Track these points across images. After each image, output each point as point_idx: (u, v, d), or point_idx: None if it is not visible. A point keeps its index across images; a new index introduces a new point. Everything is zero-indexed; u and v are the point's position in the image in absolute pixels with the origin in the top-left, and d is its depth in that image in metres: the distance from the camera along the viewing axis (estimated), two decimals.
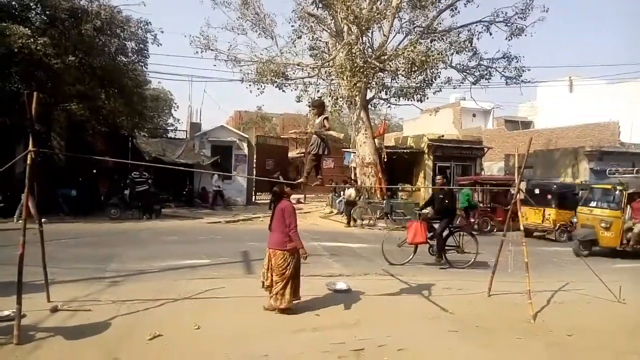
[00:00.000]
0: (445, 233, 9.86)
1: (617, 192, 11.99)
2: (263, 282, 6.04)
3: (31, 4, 16.11)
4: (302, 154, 33.69)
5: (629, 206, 11.81)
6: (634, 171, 16.96)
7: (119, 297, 6.24)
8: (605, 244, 11.74)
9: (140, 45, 18.97)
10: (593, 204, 12.56)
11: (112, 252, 9.63)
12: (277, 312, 5.89)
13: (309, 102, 19.64)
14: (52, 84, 14.90)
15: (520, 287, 6.71)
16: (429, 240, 9.84)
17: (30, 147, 5.16)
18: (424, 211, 10.59)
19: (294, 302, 6.02)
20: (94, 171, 18.44)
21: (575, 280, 8.25)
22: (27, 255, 4.94)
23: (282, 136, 40.62)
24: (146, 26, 18.62)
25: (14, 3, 15.84)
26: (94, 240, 11.58)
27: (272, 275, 5.93)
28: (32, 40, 13.90)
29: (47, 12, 15.99)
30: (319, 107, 6.83)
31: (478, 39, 19.56)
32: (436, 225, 10.04)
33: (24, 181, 5.20)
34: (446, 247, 9.90)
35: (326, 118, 6.63)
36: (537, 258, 10.19)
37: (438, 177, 11.35)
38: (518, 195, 7.02)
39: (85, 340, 4.79)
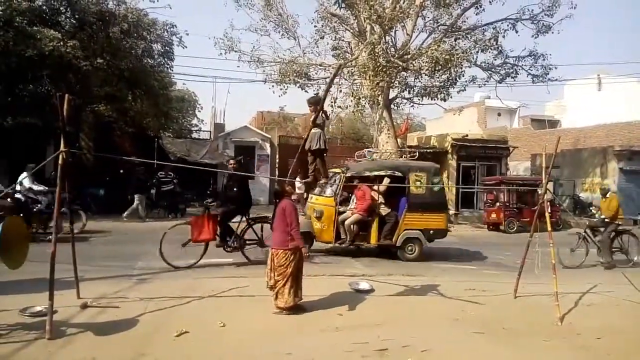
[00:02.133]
0: (243, 225, 8.98)
1: (337, 176, 10.52)
2: (267, 283, 6.02)
3: (61, 8, 16.57)
4: (325, 154, 33.65)
5: (353, 195, 10.39)
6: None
7: (146, 295, 6.37)
8: (321, 238, 10.19)
9: (166, 47, 19.30)
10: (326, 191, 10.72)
11: (139, 250, 9.81)
12: (279, 312, 5.85)
13: (331, 102, 19.65)
14: (81, 85, 15.29)
15: (547, 288, 6.59)
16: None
17: (62, 148, 5.31)
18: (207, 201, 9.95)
19: (296, 302, 5.93)
20: (121, 171, 18.81)
21: (603, 282, 8.06)
22: (58, 253, 5.09)
23: (304, 136, 40.74)
24: (172, 29, 18.94)
25: (44, 7, 16.32)
26: (122, 238, 11.82)
27: (274, 275, 5.90)
28: (62, 43, 14.30)
29: (77, 16, 16.42)
30: (315, 104, 6.72)
31: (504, 36, 19.20)
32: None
33: (56, 180, 5.36)
34: (248, 241, 8.99)
35: (324, 112, 6.62)
36: (565, 259, 10.00)
37: (231, 162, 10.21)
38: (545, 195, 6.90)
39: (114, 336, 4.91)
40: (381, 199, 10.41)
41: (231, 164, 9.93)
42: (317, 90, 20.51)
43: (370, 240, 10.22)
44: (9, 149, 14.55)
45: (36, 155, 13.86)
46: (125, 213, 14.96)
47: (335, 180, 10.50)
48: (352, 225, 9.98)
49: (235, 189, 9.04)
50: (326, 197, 10.40)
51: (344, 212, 10.21)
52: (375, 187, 10.37)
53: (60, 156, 5.31)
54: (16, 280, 6.37)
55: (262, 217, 9.47)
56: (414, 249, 10.33)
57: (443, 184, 10.96)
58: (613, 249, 10.56)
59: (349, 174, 10.41)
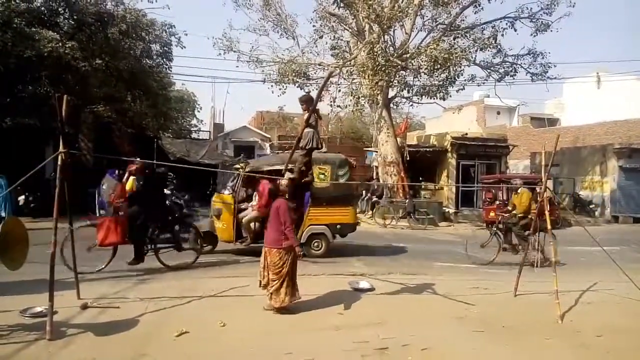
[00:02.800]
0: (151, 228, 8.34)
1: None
2: (260, 282, 6.03)
3: (60, 9, 16.56)
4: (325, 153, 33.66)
5: (256, 192, 9.81)
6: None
7: (146, 295, 6.37)
8: (222, 237, 9.72)
9: (165, 47, 19.32)
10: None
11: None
12: (274, 311, 5.85)
13: (330, 102, 19.66)
14: (80, 86, 15.29)
15: (548, 287, 6.59)
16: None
17: (61, 149, 5.30)
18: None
19: (292, 301, 5.92)
20: (120, 172, 18.81)
21: (604, 280, 8.06)
22: (58, 254, 5.08)
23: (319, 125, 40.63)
24: (170, 29, 18.97)
25: (43, 9, 16.31)
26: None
27: (268, 274, 5.90)
28: (60, 44, 14.29)
29: (75, 17, 16.41)
30: (307, 102, 6.69)
31: (502, 35, 19.23)
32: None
33: (54, 181, 5.36)
34: (163, 245, 8.48)
35: (317, 112, 6.60)
36: (565, 257, 9.98)
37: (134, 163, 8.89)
38: (545, 194, 6.90)
39: (114, 336, 4.91)
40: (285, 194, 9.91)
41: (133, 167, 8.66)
42: (316, 89, 20.54)
43: None
44: (8, 150, 14.54)
45: (35, 156, 13.86)
46: None
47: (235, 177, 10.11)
48: (250, 223, 9.39)
49: (147, 195, 8.25)
50: (225, 194, 9.91)
51: (246, 209, 9.70)
52: (282, 182, 9.87)
53: (60, 157, 5.31)
54: (16, 281, 6.37)
55: (178, 220, 9.06)
56: (320, 244, 9.98)
57: (349, 176, 10.32)
58: (520, 248, 10.21)
59: (248, 170, 9.87)
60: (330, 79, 20.05)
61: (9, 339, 4.69)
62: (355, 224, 10.63)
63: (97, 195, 10.71)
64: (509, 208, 10.94)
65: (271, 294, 5.84)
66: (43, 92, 14.21)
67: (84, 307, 5.75)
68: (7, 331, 4.86)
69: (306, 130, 6.51)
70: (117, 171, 8.94)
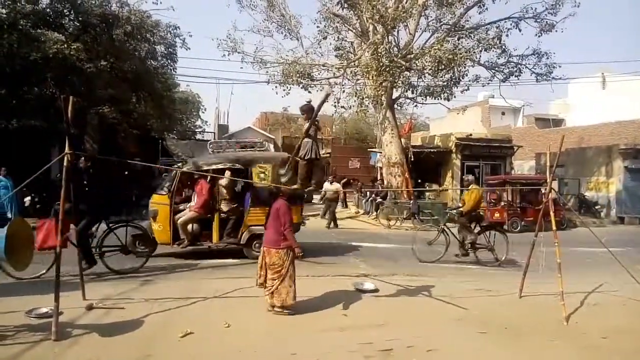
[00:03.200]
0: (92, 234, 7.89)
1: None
2: (257, 280, 6.05)
3: (65, 11, 16.66)
4: (329, 154, 33.73)
5: (194, 191, 9.53)
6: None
7: (151, 296, 6.39)
8: (159, 239, 9.16)
9: (170, 49, 19.40)
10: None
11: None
12: (273, 312, 5.85)
13: (334, 103, 19.66)
14: (85, 88, 15.38)
15: (552, 288, 6.56)
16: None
17: (67, 150, 5.33)
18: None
19: (295, 300, 5.93)
20: (126, 172, 18.89)
21: (610, 281, 8.02)
22: (64, 255, 5.11)
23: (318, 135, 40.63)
24: (175, 30, 19.04)
25: (48, 10, 16.41)
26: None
27: (265, 274, 5.91)
28: (66, 46, 14.38)
29: (80, 19, 16.51)
30: (308, 112, 6.66)
31: (507, 35, 19.20)
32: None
33: (60, 183, 5.39)
34: (108, 248, 8.06)
35: (316, 123, 6.59)
36: (570, 258, 9.93)
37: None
38: (550, 194, 6.87)
39: (119, 337, 4.93)
40: (225, 194, 9.65)
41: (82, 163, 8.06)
42: (320, 90, 20.56)
43: (212, 239, 9.46)
44: (14, 151, 14.64)
45: (41, 157, 13.93)
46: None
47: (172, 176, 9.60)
48: (188, 225, 9.10)
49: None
50: (160, 195, 9.37)
51: (184, 210, 9.42)
52: (222, 182, 9.50)
53: (65, 158, 5.34)
54: (22, 282, 6.40)
55: (124, 221, 8.82)
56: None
57: (291, 175, 9.81)
58: (478, 246, 10.16)
59: (186, 169, 9.50)
60: (335, 79, 20.17)
61: (15, 339, 4.72)
62: (299, 224, 9.93)
63: None
64: (459, 204, 10.88)
65: (272, 293, 5.84)
66: (48, 94, 14.31)
67: (89, 307, 5.77)
68: (13, 332, 4.89)
69: (305, 140, 6.51)
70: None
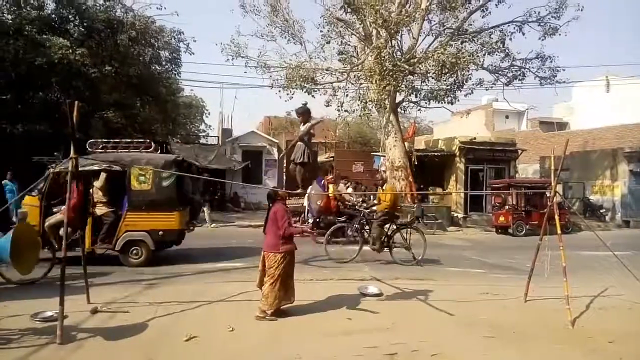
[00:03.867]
0: None
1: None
2: (258, 284, 6.06)
3: (70, 17, 16.78)
4: (332, 158, 33.72)
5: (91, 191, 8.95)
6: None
7: (155, 299, 6.40)
8: None
9: (174, 54, 19.47)
10: None
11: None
12: (261, 312, 5.77)
13: (338, 107, 19.68)
14: (90, 92, 15.46)
15: (558, 292, 6.53)
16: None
17: (72, 154, 5.36)
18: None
19: (286, 305, 5.93)
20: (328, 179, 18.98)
21: (615, 285, 7.97)
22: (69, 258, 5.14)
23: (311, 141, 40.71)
24: (179, 35, 19.11)
25: (53, 16, 16.53)
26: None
27: (264, 277, 5.93)
28: (71, 51, 14.48)
29: (85, 24, 16.62)
30: (304, 114, 6.66)
31: (510, 39, 19.19)
32: None
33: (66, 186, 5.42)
34: None
35: (312, 125, 6.58)
36: (575, 262, 9.89)
37: None
38: (555, 198, 6.85)
39: (124, 340, 4.93)
40: (100, 197, 9.18)
41: None
42: (323, 94, 20.59)
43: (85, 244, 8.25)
44: (20, 155, 14.72)
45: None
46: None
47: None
48: (57, 228, 8.36)
49: None
50: (32, 196, 8.76)
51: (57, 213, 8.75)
52: (97, 184, 9.11)
53: (71, 162, 5.36)
54: (27, 285, 6.42)
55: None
56: (140, 252, 9.03)
57: (174, 180, 9.20)
58: (395, 245, 10.16)
59: (58, 170, 8.75)
60: (338, 83, 20.19)
61: (20, 342, 4.74)
62: (182, 231, 9.58)
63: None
64: (375, 202, 10.80)
65: (262, 296, 5.83)
66: (54, 99, 14.41)
67: (94, 311, 5.78)
68: (18, 335, 4.91)
69: (298, 144, 6.52)
70: (323, 180, 9.45)
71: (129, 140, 9.96)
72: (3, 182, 13.07)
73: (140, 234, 9.01)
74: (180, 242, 10.00)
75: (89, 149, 9.70)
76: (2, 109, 14.02)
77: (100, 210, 9.15)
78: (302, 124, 6.62)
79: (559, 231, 6.63)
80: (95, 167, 9.03)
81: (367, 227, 10.44)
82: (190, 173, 10.83)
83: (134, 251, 9.08)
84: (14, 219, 12.72)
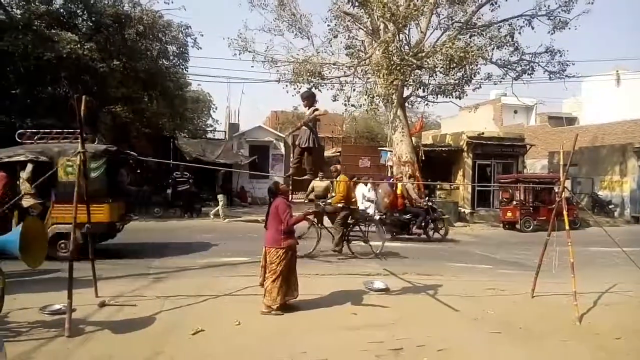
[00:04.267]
0: None
1: None
2: (260, 281, 6.04)
3: (78, 11, 16.84)
4: (339, 153, 33.69)
5: None
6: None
7: (162, 293, 6.44)
8: None
9: (181, 48, 19.49)
10: None
11: (155, 250, 9.92)
12: (266, 308, 5.79)
13: (345, 101, 19.63)
14: (98, 87, 15.53)
15: (565, 288, 6.50)
16: None
17: (79, 149, 5.39)
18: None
19: (286, 300, 5.91)
20: (138, 171, 19.05)
21: (623, 281, 7.92)
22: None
23: (318, 135, 40.69)
24: (186, 30, 19.12)
25: (62, 11, 16.59)
26: (138, 236, 11.95)
27: (265, 273, 5.91)
28: (79, 45, 14.53)
29: (93, 19, 16.67)
30: (308, 98, 6.59)
31: (519, 33, 19.00)
32: None
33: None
34: None
35: (316, 109, 6.52)
36: (583, 258, 9.83)
37: None
38: (563, 193, 6.80)
39: (131, 334, 4.97)
40: (28, 189, 8.60)
41: None
42: (330, 89, 20.54)
43: None
44: None
45: None
46: (212, 212, 16.81)
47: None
48: None
49: None
50: None
51: None
52: (23, 175, 8.67)
53: (79, 156, 5.39)
54: (36, 278, 6.49)
55: None
56: (68, 246, 8.28)
57: (104, 170, 8.91)
58: (352, 237, 10.00)
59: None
60: (345, 77, 20.12)
61: (29, 335, 4.79)
62: (113, 224, 9.18)
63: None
64: (332, 194, 10.64)
65: (264, 292, 5.83)
66: (62, 93, 14.48)
67: (102, 304, 5.83)
68: (27, 328, 4.96)
69: (303, 128, 6.49)
70: (392, 178, 9.61)
71: (60, 130, 9.64)
72: None
73: (67, 226, 8.31)
74: (113, 235, 9.67)
75: (18, 140, 9.39)
76: (12, 103, 14.12)
77: (27, 202, 8.66)
78: (307, 108, 6.57)
79: (567, 227, 6.59)
80: (22, 158, 8.75)
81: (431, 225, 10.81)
82: (127, 163, 10.51)
83: (62, 244, 8.78)
84: None
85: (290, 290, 5.99)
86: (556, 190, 10.43)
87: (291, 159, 6.90)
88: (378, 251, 10.06)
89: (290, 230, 5.96)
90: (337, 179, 10.22)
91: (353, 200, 10.17)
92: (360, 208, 13.05)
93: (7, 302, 4.97)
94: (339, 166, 10.46)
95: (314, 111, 6.44)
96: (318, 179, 13.92)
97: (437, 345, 4.91)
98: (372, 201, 13.56)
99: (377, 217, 12.96)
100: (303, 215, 6.08)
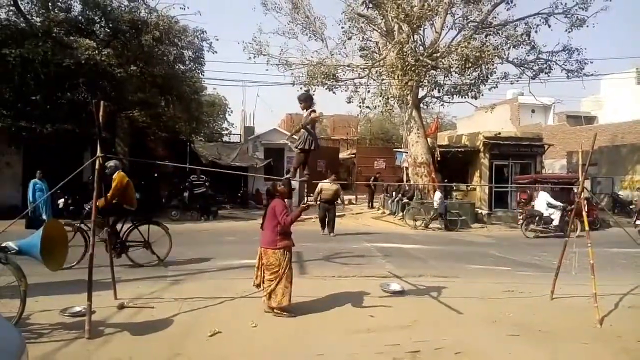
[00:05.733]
0: None
1: None
2: (253, 281, 6.03)
3: (96, 18, 17.10)
4: (353, 155, 33.64)
5: None
6: None
7: (180, 295, 6.50)
8: None
9: (197, 53, 19.66)
10: None
11: (173, 252, 9.99)
12: (273, 313, 5.80)
13: (359, 103, 19.61)
14: (116, 92, 15.73)
15: (585, 290, 6.38)
16: None
17: (99, 153, 5.47)
18: None
19: (290, 301, 5.86)
20: (155, 175, 19.27)
21: None
22: (96, 256, 5.26)
23: (332, 137, 40.78)
24: (202, 35, 19.29)
25: (80, 18, 16.88)
26: (156, 240, 12.07)
27: (262, 274, 5.88)
28: (97, 52, 14.76)
29: (111, 25, 16.92)
30: (305, 100, 6.54)
31: (536, 31, 18.82)
32: None
33: (93, 185, 5.54)
34: None
35: (313, 111, 6.48)
36: (603, 259, 9.66)
37: None
38: (583, 193, 6.70)
39: (150, 336, 5.02)
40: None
41: None
42: (345, 91, 20.54)
43: None
44: (49, 155, 15.11)
45: (73, 160, 14.32)
46: None
47: None
48: None
49: None
50: None
51: None
52: None
53: (97, 161, 5.48)
54: (57, 281, 6.59)
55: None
56: None
57: None
58: (130, 244, 8.63)
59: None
60: (360, 79, 20.10)
61: (50, 337, 4.87)
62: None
63: None
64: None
65: (269, 294, 5.80)
66: (81, 99, 14.68)
67: (121, 307, 5.91)
68: (49, 330, 5.04)
69: (302, 131, 6.48)
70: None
71: None
72: (33, 181, 13.45)
73: None
74: None
75: None
76: (32, 109, 14.40)
77: None
78: (304, 110, 6.55)
79: (586, 227, 6.48)
80: None
81: None
82: None
83: None
84: (44, 216, 13.09)
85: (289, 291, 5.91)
86: (575, 191, 10.24)
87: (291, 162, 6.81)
88: (165, 257, 8.76)
89: (286, 231, 5.89)
90: (114, 176, 8.32)
91: (131, 199, 8.53)
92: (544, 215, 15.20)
93: (28, 304, 5.06)
94: (112, 163, 8.50)
95: (310, 113, 6.41)
96: (327, 181, 14.01)
97: (454, 348, 4.87)
98: (555, 207, 15.32)
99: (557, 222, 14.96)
100: (299, 211, 6.04)
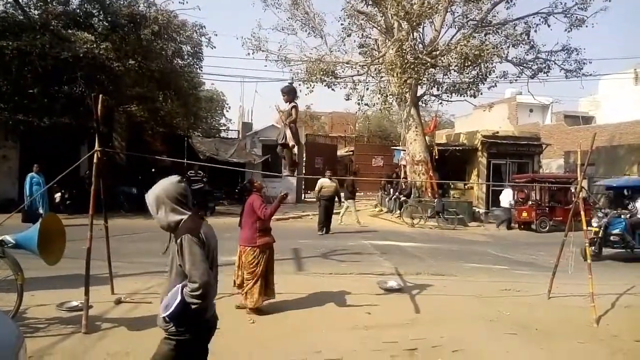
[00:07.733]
0: None
1: None
2: (234, 281, 5.93)
3: (94, 12, 17.00)
4: (351, 152, 33.66)
5: None
6: None
7: None
8: None
9: (195, 48, 19.58)
10: None
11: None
12: (247, 311, 5.74)
13: (358, 100, 19.59)
14: (114, 86, 15.65)
15: (582, 289, 6.41)
16: None
17: (97, 147, 5.44)
18: None
19: (265, 301, 5.81)
20: (153, 170, 19.22)
21: None
22: (93, 250, 5.23)
23: (330, 135, 40.76)
24: (201, 30, 19.21)
25: (78, 11, 16.78)
26: (154, 235, 12.03)
27: (242, 273, 5.79)
28: (95, 45, 14.67)
29: (109, 19, 16.82)
30: (288, 93, 6.39)
31: (535, 31, 18.86)
32: None
33: (89, 179, 5.51)
34: None
35: (294, 107, 6.37)
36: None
37: None
38: (580, 193, 6.71)
39: (147, 331, 4.99)
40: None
41: None
42: (343, 88, 20.51)
43: None
44: (45, 148, 15.04)
45: (70, 154, 14.26)
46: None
47: None
48: None
49: None
50: None
51: None
52: None
53: (95, 155, 5.45)
54: (54, 276, 6.56)
55: None
56: None
57: None
58: None
59: None
60: (359, 76, 20.05)
61: (46, 331, 4.85)
62: None
63: None
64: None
65: (245, 293, 5.73)
66: (78, 92, 14.60)
67: (118, 302, 5.90)
68: (45, 324, 5.02)
69: (280, 126, 6.43)
70: None
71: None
72: (30, 174, 13.40)
73: None
74: None
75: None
76: (30, 102, 14.31)
77: None
78: (287, 103, 6.42)
79: (584, 227, 6.50)
80: None
81: None
82: None
83: None
84: (41, 210, 13.04)
85: (269, 290, 5.87)
86: (573, 190, 10.26)
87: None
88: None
89: (266, 227, 5.80)
90: None
91: None
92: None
93: (25, 298, 5.05)
94: None
95: (292, 108, 6.31)
96: (327, 178, 13.92)
97: (451, 346, 4.88)
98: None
99: None
100: (278, 201, 5.86)
